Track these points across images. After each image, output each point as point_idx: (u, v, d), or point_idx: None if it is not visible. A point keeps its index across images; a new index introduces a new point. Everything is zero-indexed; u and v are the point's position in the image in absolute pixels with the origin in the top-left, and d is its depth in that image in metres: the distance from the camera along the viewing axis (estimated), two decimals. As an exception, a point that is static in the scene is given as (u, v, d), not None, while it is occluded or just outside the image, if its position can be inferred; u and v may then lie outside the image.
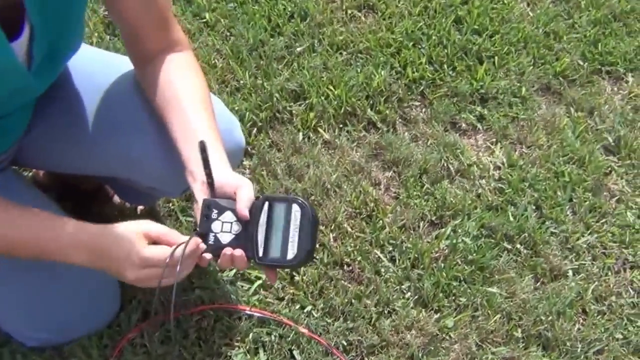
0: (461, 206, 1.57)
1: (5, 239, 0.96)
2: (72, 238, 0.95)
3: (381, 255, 1.45)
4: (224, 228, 0.93)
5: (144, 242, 0.93)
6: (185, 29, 1.81)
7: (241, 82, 1.71)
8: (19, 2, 0.88)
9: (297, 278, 1.39)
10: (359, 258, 1.44)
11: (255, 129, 1.63)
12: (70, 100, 1.17)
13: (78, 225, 0.96)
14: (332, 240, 1.46)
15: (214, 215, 0.94)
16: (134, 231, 0.93)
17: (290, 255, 0.91)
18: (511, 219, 1.57)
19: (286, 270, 1.37)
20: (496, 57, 1.90)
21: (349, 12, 1.93)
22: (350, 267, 1.43)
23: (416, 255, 1.46)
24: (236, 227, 0.94)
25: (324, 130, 1.67)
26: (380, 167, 1.63)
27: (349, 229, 1.49)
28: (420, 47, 1.89)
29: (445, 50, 1.89)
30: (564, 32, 2.03)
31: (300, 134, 1.64)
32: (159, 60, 1.07)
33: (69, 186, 1.45)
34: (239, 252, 0.92)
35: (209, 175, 0.92)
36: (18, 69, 0.93)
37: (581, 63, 1.96)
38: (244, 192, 0.93)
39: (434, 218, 1.55)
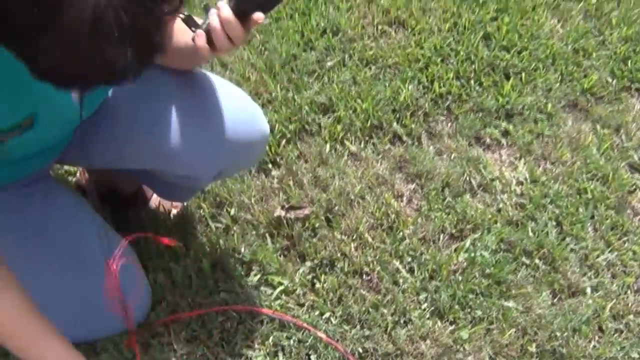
0: (481, 220, 1.61)
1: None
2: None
3: (400, 266, 1.50)
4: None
5: None
6: (221, 42, 1.89)
7: (273, 94, 1.78)
8: None
9: (317, 285, 1.45)
10: (378, 268, 1.49)
11: (285, 140, 1.70)
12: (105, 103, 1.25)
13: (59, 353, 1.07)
14: (353, 249, 1.51)
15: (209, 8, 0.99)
16: None
17: None
18: (530, 234, 1.60)
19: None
20: (523, 73, 1.93)
21: (380, 27, 1.99)
22: (369, 277, 1.48)
23: (434, 267, 1.51)
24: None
25: (351, 143, 1.72)
26: (403, 180, 1.68)
27: (370, 240, 1.54)
28: (448, 62, 1.93)
29: (473, 66, 1.93)
30: (594, 48, 2.05)
31: (327, 145, 1.71)
32: None
33: (109, 190, 1.54)
34: (221, 3, 0.95)
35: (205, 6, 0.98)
36: (69, 102, 1.03)
37: (610, 80, 1.98)
38: None
39: (454, 231, 1.59)
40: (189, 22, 0.98)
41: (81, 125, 1.26)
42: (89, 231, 1.25)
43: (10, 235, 1.17)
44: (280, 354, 1.35)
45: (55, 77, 0.72)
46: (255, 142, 1.25)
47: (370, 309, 1.43)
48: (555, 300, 1.51)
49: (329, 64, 1.86)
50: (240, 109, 1.23)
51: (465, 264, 1.53)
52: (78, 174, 1.58)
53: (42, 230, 1.21)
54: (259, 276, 1.45)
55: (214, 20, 0.96)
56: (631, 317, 1.51)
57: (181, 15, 0.95)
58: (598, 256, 1.59)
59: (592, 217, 1.66)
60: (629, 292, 1.55)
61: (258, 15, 0.96)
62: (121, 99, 1.24)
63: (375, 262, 1.50)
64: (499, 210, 1.65)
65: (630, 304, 1.52)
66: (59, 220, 1.24)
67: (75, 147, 1.28)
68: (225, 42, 0.97)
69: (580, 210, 1.67)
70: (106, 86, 0.76)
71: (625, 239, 1.63)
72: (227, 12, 0.95)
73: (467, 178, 1.70)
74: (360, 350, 1.37)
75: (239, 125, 1.21)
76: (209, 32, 0.97)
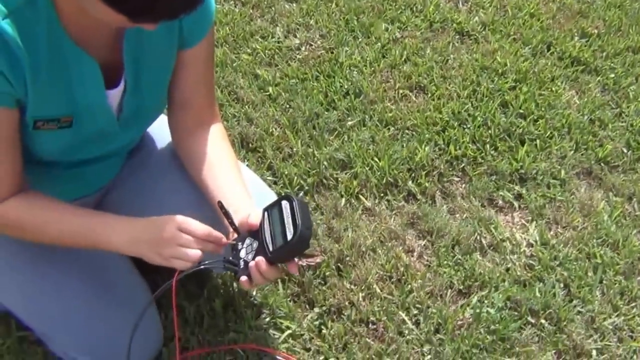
0: (489, 278, 1.64)
1: (58, 228, 1.15)
2: (115, 217, 1.15)
3: (406, 318, 1.55)
4: (247, 250, 1.12)
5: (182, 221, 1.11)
6: (250, 100, 2.02)
7: (294, 149, 1.88)
8: (121, 61, 1.11)
9: (324, 331, 1.50)
10: (384, 318, 1.53)
11: (302, 192, 1.78)
12: (144, 168, 1.38)
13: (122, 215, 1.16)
14: (360, 299, 1.57)
15: (239, 246, 1.13)
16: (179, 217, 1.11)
17: (289, 236, 1.06)
18: (537, 294, 1.63)
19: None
20: (538, 140, 2.00)
21: (401, 91, 2.09)
22: (375, 326, 1.53)
23: (440, 321, 1.54)
24: (255, 245, 1.11)
25: (366, 198, 1.80)
26: (415, 236, 1.74)
27: (378, 290, 1.59)
28: (465, 127, 2.01)
29: (489, 131, 2.00)
30: (610, 120, 2.11)
31: (343, 199, 1.78)
32: (199, 132, 1.27)
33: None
34: (258, 258, 1.09)
35: (231, 223, 1.12)
36: (107, 113, 1.15)
37: (625, 150, 2.03)
38: (251, 215, 1.13)
39: (461, 287, 1.63)
40: (230, 266, 1.14)
41: (120, 186, 1.37)
42: (118, 261, 1.34)
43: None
44: (283, 395, 1.39)
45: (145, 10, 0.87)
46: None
47: (374, 357, 1.46)
48: (559, 360, 1.53)
49: (349, 123, 1.97)
50: None
51: (470, 319, 1.56)
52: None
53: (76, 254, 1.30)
54: (268, 319, 1.51)
55: (255, 273, 1.11)
56: (637, 382, 1.51)
57: (224, 263, 1.13)
58: (605, 320, 1.60)
59: (601, 281, 1.69)
60: (635, 357, 1.55)
61: (294, 270, 1.14)
62: (157, 171, 1.37)
63: (381, 312, 1.55)
64: (507, 270, 1.68)
65: (636, 369, 1.53)
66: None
67: (110, 208, 1.40)
68: (262, 283, 1.13)
69: (589, 274, 1.70)
70: (171, 18, 0.91)
71: (633, 304, 1.65)
72: (264, 268, 1.10)
73: (478, 237, 1.74)
74: (361, 396, 1.40)
75: None
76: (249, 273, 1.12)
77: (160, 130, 1.42)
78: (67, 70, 1.06)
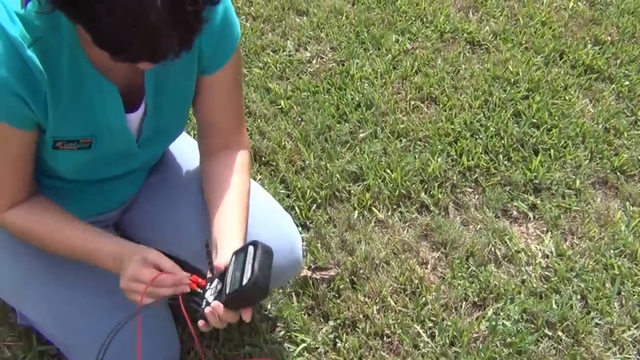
0: (504, 290, 1.63)
1: (59, 245, 1.17)
2: (110, 249, 1.15)
3: (421, 331, 1.53)
4: (212, 292, 1.10)
5: (142, 264, 1.10)
6: (262, 113, 2.02)
7: (306, 162, 1.88)
8: (143, 85, 1.12)
9: (339, 345, 1.49)
10: (399, 331, 1.52)
11: (315, 205, 1.78)
12: (164, 188, 1.38)
13: (114, 241, 1.17)
14: (375, 312, 1.56)
15: (207, 286, 1.11)
16: (142, 256, 1.11)
17: (244, 281, 1.03)
18: (554, 306, 1.61)
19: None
20: (552, 150, 1.98)
21: (412, 103, 2.09)
22: (390, 339, 1.52)
23: (455, 334, 1.53)
24: (219, 287, 1.09)
25: (378, 210, 1.79)
26: (428, 248, 1.73)
27: (393, 303, 1.58)
28: (477, 137, 2.00)
29: (502, 141, 1.99)
30: (625, 128, 2.09)
31: (356, 212, 1.78)
32: (222, 156, 1.26)
33: None
34: (214, 303, 1.07)
35: (209, 263, 1.13)
36: (127, 135, 1.16)
37: (641, 159, 2.01)
38: (220, 257, 1.12)
39: (476, 299, 1.62)
40: (194, 305, 1.13)
41: (140, 205, 1.38)
42: None
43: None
44: (298, 410, 1.38)
45: (109, 44, 0.85)
46: (289, 270, 1.36)
47: (389, 371, 1.45)
48: (577, 373, 1.50)
49: (361, 135, 1.96)
50: (280, 238, 1.32)
51: (486, 332, 1.55)
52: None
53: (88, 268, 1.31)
54: (283, 332, 1.50)
55: (211, 317, 1.09)
56: (657, 395, 1.49)
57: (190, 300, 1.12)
58: (624, 332, 1.58)
59: (619, 292, 1.66)
60: (655, 369, 1.53)
61: (246, 317, 1.10)
62: (176, 193, 1.37)
63: (396, 325, 1.53)
64: (523, 282, 1.67)
65: (656, 382, 1.50)
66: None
67: (130, 223, 1.41)
68: (220, 326, 1.11)
69: (607, 285, 1.67)
70: (150, 61, 0.89)
71: (652, 316, 1.62)
72: (220, 312, 1.08)
73: (492, 249, 1.73)
74: (377, 411, 1.39)
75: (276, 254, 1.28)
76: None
77: (181, 148, 1.42)
78: (87, 94, 1.08)
